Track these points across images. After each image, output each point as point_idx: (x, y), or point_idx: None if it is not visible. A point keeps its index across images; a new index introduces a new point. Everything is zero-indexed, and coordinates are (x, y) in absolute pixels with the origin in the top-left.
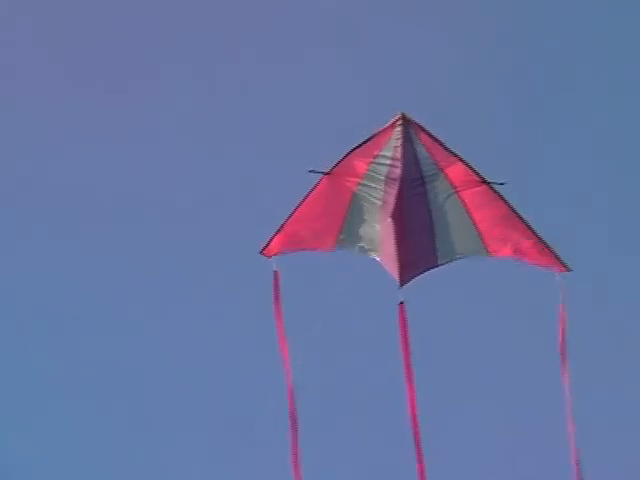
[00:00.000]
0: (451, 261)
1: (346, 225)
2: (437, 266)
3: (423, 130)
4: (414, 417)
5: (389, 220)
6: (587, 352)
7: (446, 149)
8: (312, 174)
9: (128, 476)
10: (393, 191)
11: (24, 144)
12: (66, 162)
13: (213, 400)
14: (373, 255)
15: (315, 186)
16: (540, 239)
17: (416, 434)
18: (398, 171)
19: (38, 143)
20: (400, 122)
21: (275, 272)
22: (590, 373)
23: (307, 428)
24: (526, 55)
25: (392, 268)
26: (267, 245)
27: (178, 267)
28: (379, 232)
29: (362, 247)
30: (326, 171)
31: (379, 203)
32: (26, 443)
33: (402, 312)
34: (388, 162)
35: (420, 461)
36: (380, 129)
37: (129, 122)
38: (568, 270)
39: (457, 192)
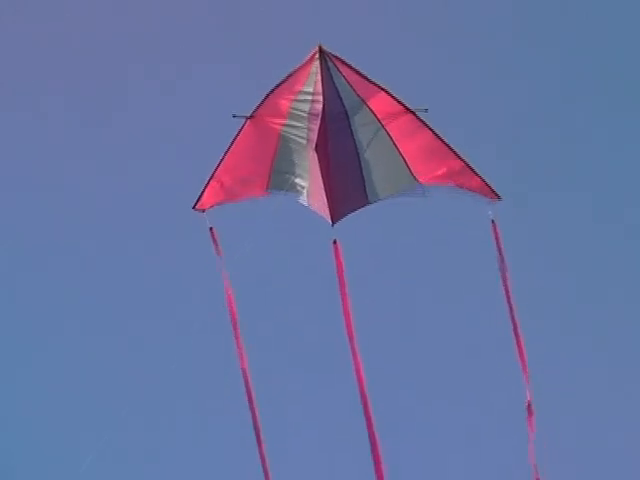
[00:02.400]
0: (382, 199)
1: (275, 169)
2: (368, 204)
3: (342, 62)
4: (355, 355)
5: (313, 154)
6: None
7: (367, 80)
8: (237, 119)
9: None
10: (316, 127)
11: None
12: None
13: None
14: (302, 199)
15: (240, 131)
16: (469, 166)
17: (358, 369)
18: (320, 106)
19: None
20: (317, 55)
21: (211, 229)
22: (528, 298)
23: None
24: None
25: (323, 207)
26: (199, 199)
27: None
28: (308, 172)
29: (292, 189)
30: (249, 115)
31: (304, 142)
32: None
33: (337, 250)
34: (310, 98)
35: (365, 403)
36: (299, 65)
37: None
38: (498, 198)
39: (382, 124)
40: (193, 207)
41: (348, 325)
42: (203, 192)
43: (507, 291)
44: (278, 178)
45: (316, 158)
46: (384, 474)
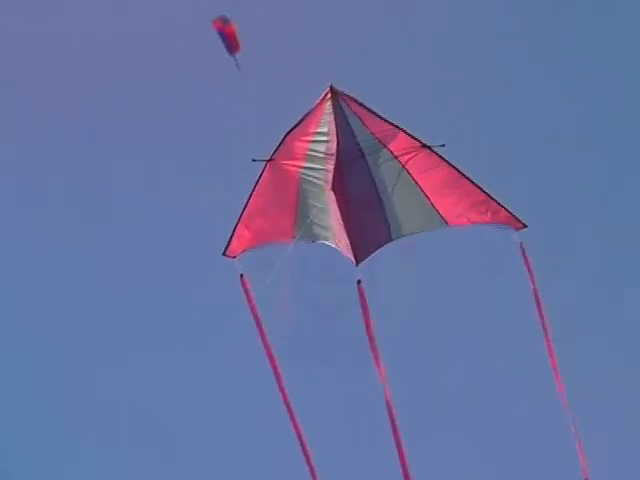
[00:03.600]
0: (405, 236)
1: (299, 215)
2: (391, 241)
3: (354, 101)
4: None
5: (330, 195)
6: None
7: (380, 117)
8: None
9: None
10: (332, 167)
11: None
12: None
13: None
14: (329, 242)
15: (260, 175)
16: (491, 198)
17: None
18: (334, 146)
19: None
20: (329, 95)
21: (242, 276)
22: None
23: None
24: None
25: (346, 248)
26: (228, 245)
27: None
28: (329, 215)
29: (318, 236)
30: (268, 158)
31: (322, 184)
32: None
33: (361, 291)
34: (325, 138)
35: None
36: (312, 106)
37: None
38: (524, 227)
39: (399, 160)
40: (223, 254)
41: (379, 369)
42: (231, 238)
43: (540, 312)
44: (303, 225)
45: (334, 199)
46: None
